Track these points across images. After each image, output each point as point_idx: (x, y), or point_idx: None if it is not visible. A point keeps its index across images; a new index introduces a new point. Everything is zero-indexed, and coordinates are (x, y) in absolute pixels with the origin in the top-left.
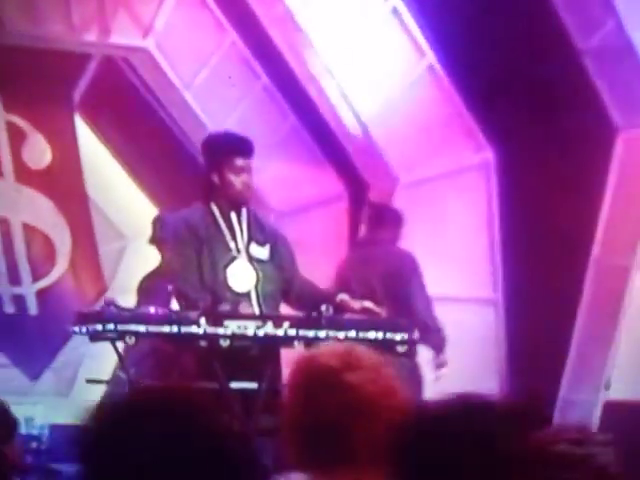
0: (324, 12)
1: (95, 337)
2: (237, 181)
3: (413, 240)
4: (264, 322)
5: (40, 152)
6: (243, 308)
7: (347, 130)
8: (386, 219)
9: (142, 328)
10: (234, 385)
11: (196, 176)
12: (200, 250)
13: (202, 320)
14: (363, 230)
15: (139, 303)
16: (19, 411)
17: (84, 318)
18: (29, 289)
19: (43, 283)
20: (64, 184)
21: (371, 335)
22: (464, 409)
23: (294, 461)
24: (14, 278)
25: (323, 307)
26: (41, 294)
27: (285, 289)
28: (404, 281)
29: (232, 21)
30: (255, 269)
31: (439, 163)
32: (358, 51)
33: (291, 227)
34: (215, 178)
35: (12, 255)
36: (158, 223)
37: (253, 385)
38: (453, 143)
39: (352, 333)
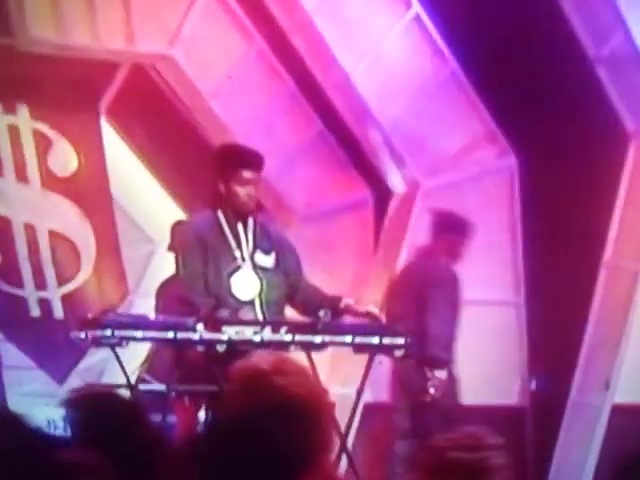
0: (347, 20)
1: (95, 342)
2: (242, 192)
3: None
4: (262, 328)
5: (66, 159)
6: (243, 314)
7: (368, 135)
8: (444, 226)
9: (139, 334)
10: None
11: None
12: (206, 258)
13: (199, 326)
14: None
15: (157, 308)
16: (44, 413)
17: (85, 324)
18: (54, 293)
19: (68, 287)
20: (90, 190)
21: (367, 340)
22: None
23: None
24: (40, 282)
25: (321, 312)
26: (66, 298)
27: (290, 295)
28: (426, 297)
29: (259, 28)
30: (259, 277)
31: (462, 167)
32: (379, 58)
33: (316, 230)
34: (221, 187)
35: (38, 260)
36: (172, 231)
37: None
38: (475, 148)
39: (348, 338)
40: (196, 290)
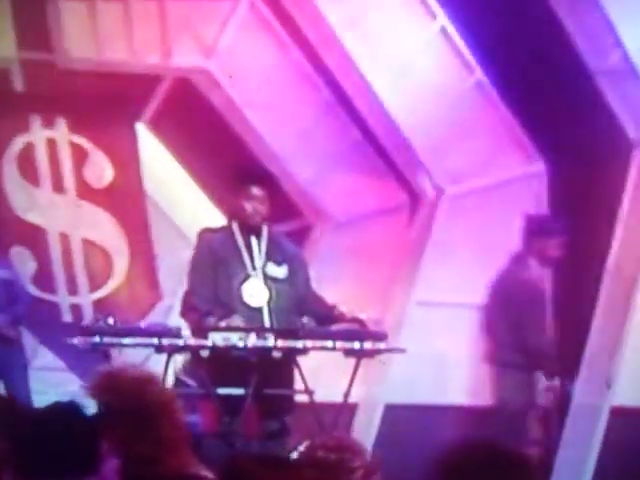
0: (372, 31)
1: (87, 348)
2: (248, 207)
3: (459, 250)
4: (248, 334)
5: (101, 170)
6: (232, 321)
7: (394, 143)
8: (533, 230)
9: (126, 341)
10: (221, 391)
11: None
12: (218, 267)
13: (185, 333)
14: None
15: (181, 314)
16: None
17: (78, 331)
18: (86, 299)
19: (100, 293)
20: (124, 200)
21: (348, 345)
22: None
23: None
24: (72, 289)
25: (305, 319)
26: (97, 304)
27: (299, 305)
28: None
29: (294, 38)
30: (269, 287)
31: (487, 174)
32: (405, 69)
33: (351, 236)
34: (233, 201)
35: (71, 267)
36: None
37: (239, 391)
38: (501, 155)
39: (329, 343)
40: (203, 297)
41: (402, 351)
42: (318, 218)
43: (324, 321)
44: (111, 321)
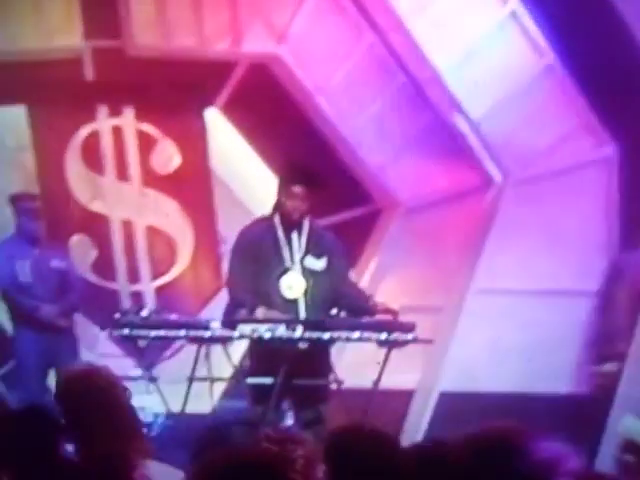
0: (441, 17)
1: (117, 340)
2: (288, 204)
3: (524, 236)
4: (277, 325)
5: (168, 158)
6: (262, 314)
7: (462, 127)
8: None
9: (153, 333)
10: (250, 380)
11: (334, 172)
12: (258, 260)
13: (213, 324)
14: None
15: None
16: (133, 401)
17: (111, 323)
18: (148, 286)
19: (162, 280)
20: (191, 187)
21: (374, 336)
22: None
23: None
24: (133, 276)
25: (334, 311)
26: (159, 290)
27: (336, 296)
28: None
29: (369, 23)
30: (306, 279)
31: (556, 159)
32: (475, 53)
33: (422, 220)
34: (276, 197)
35: (133, 255)
36: None
37: (268, 380)
38: (572, 139)
39: (355, 334)
40: (242, 288)
41: (429, 342)
42: (388, 203)
43: (359, 312)
44: (145, 313)
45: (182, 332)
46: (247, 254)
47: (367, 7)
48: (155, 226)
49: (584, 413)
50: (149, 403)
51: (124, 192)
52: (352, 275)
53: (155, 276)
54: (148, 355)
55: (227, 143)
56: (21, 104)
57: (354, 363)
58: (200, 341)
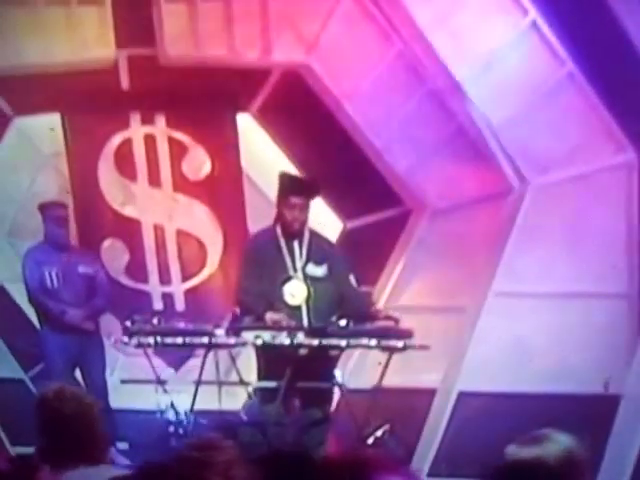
0: (462, 28)
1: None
2: (288, 214)
3: (547, 239)
4: (279, 332)
5: (200, 164)
6: (270, 320)
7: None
8: None
9: (158, 339)
10: (255, 384)
11: (365, 176)
12: (263, 268)
13: (218, 332)
14: None
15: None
16: (164, 398)
17: (123, 331)
18: (178, 288)
19: (192, 282)
20: (222, 192)
21: (373, 342)
22: None
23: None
24: (164, 278)
25: (334, 318)
26: (189, 292)
27: (339, 301)
28: None
29: (398, 30)
30: (308, 286)
31: (576, 165)
32: (496, 63)
33: (449, 223)
34: (277, 208)
35: (164, 258)
36: None
37: (272, 384)
38: (591, 145)
39: (355, 341)
40: (251, 294)
41: (426, 348)
42: (416, 205)
43: (362, 317)
44: (156, 321)
45: (188, 339)
46: (254, 262)
47: (392, 17)
48: (185, 230)
49: (602, 413)
50: (180, 401)
51: (155, 197)
52: (353, 280)
53: (185, 278)
54: (178, 355)
55: (260, 147)
56: (56, 112)
57: (375, 363)
58: (205, 347)
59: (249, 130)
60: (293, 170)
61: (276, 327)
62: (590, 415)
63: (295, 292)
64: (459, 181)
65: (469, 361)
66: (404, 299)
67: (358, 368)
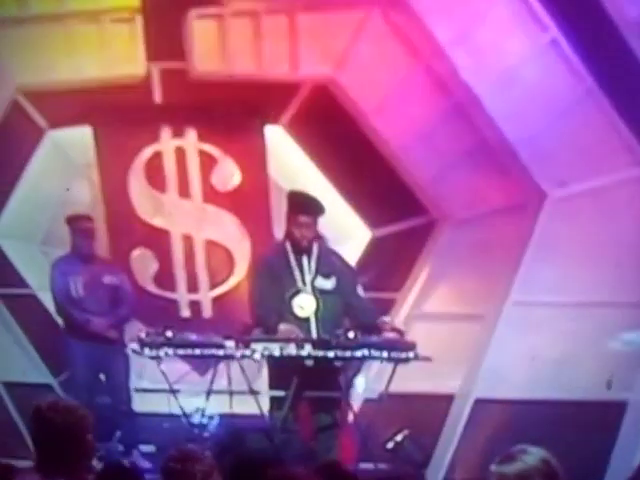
0: (482, 45)
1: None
2: (296, 232)
3: (564, 250)
4: (287, 344)
5: (229, 175)
6: (283, 332)
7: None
8: None
9: (170, 351)
10: (263, 392)
11: (391, 185)
12: (273, 282)
13: (228, 343)
14: None
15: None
16: (193, 403)
17: (138, 342)
18: (205, 295)
19: (219, 290)
20: (250, 202)
21: (376, 354)
22: None
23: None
24: (192, 286)
25: (339, 331)
26: (216, 300)
27: (347, 312)
28: None
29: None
30: (316, 299)
31: (594, 178)
32: (517, 77)
33: (472, 233)
34: (286, 225)
35: (192, 267)
36: None
37: (280, 393)
38: (609, 158)
39: (359, 353)
40: (263, 307)
41: (429, 359)
42: (441, 215)
43: (368, 328)
44: (170, 334)
45: (198, 351)
46: (265, 277)
47: (415, 34)
48: (214, 240)
49: (610, 419)
50: (205, 405)
51: (185, 208)
52: (361, 291)
53: (213, 286)
54: (204, 361)
55: (291, 158)
56: (87, 125)
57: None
58: (215, 358)
59: (280, 141)
60: (323, 180)
61: (284, 339)
62: (600, 420)
63: (304, 305)
64: (480, 193)
65: (486, 368)
66: (427, 306)
67: (380, 374)
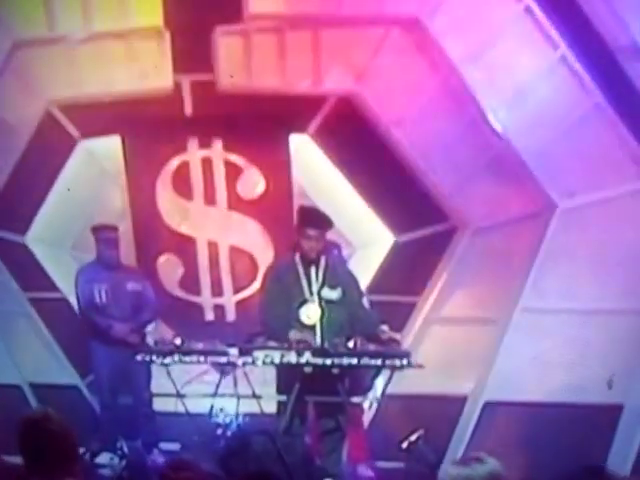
0: (493, 62)
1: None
2: (305, 245)
3: (573, 259)
4: (287, 352)
5: (254, 184)
6: (294, 339)
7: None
8: None
9: (176, 358)
10: (265, 397)
11: (413, 193)
12: (282, 293)
13: (232, 351)
14: None
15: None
16: (215, 403)
17: (145, 350)
18: (229, 300)
19: (243, 295)
20: (274, 210)
21: (372, 362)
22: None
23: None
24: (216, 291)
25: (337, 340)
26: (240, 304)
27: (351, 322)
28: None
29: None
30: (322, 309)
31: (602, 189)
32: (528, 92)
33: (488, 240)
34: (296, 238)
35: (217, 272)
36: None
37: (282, 397)
38: (617, 169)
39: (356, 361)
40: (272, 315)
41: (421, 367)
42: (460, 222)
43: (370, 338)
44: (178, 341)
45: (202, 358)
46: (275, 287)
47: (431, 51)
48: (238, 246)
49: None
50: (227, 406)
51: (210, 215)
52: (366, 302)
53: (236, 290)
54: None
55: (317, 166)
56: (117, 135)
57: (410, 373)
58: (220, 366)
59: (307, 150)
60: (349, 188)
61: (284, 347)
62: (605, 424)
63: (310, 313)
64: (496, 202)
65: (496, 372)
66: (445, 311)
67: (397, 376)
